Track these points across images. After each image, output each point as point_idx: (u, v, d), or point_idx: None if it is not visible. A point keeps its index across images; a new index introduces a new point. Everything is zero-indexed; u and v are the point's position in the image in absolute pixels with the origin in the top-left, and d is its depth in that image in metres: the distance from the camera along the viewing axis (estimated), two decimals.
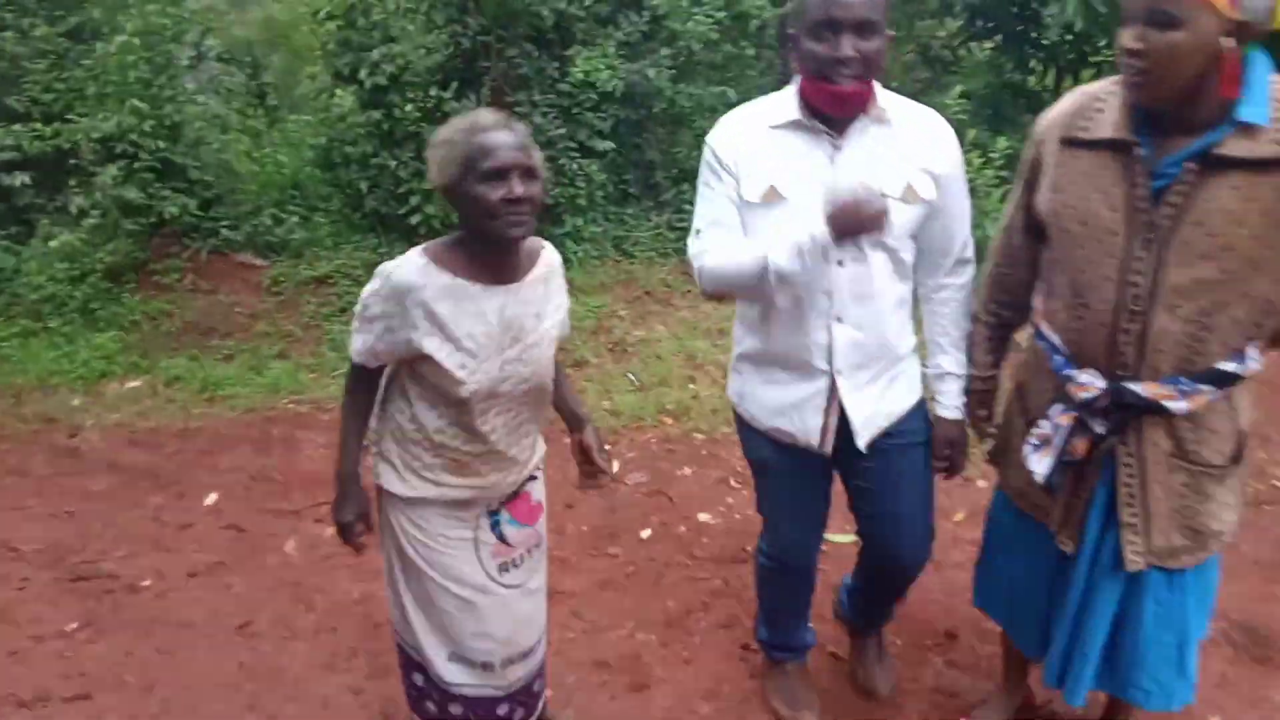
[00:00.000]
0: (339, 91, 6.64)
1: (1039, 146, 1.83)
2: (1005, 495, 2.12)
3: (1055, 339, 1.85)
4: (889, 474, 2.12)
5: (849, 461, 2.11)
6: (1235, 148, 1.55)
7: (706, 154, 2.04)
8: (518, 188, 1.71)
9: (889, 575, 2.34)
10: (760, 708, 2.51)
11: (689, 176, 7.07)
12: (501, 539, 2.02)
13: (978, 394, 2.14)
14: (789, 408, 2.08)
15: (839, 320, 1.97)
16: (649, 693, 2.60)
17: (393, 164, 6.22)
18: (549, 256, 1.97)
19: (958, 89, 6.32)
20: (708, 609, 2.98)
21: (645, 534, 3.43)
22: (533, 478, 2.10)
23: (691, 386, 4.69)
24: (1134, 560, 1.83)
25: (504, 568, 2.03)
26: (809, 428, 2.06)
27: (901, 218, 1.91)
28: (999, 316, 2.08)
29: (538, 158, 1.78)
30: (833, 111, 1.88)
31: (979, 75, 7.52)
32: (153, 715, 2.54)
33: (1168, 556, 1.83)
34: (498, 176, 1.70)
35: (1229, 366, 1.70)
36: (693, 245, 2.05)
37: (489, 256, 1.81)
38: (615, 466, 3.90)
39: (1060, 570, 1.99)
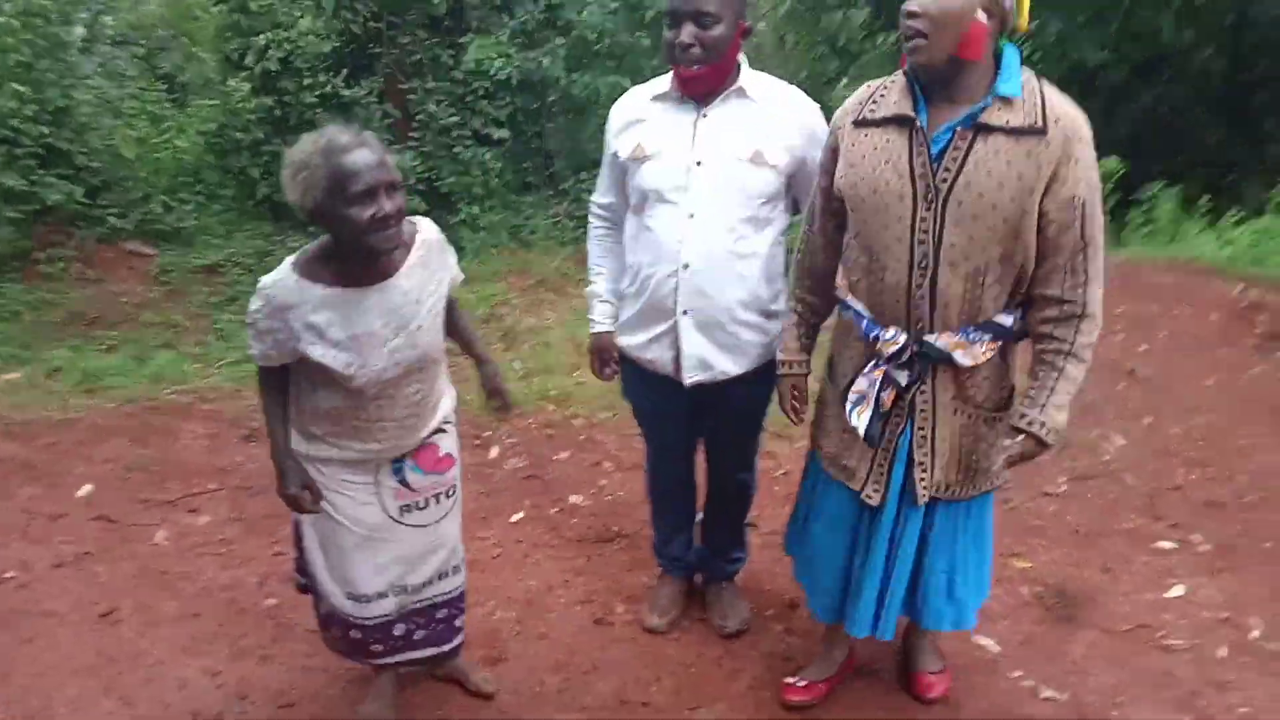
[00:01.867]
0: (232, 77, 6.57)
1: (836, 134, 2.03)
2: (818, 462, 2.30)
3: (858, 306, 2.04)
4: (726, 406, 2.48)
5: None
6: (996, 117, 1.80)
7: (608, 123, 2.43)
8: (385, 205, 1.79)
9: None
10: (603, 677, 2.65)
11: (589, 166, 7.17)
12: (404, 484, 2.17)
13: (790, 379, 2.31)
14: (650, 342, 2.41)
15: (685, 267, 2.25)
16: (502, 666, 2.72)
17: (285, 150, 6.19)
18: (424, 237, 2.04)
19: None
20: (568, 586, 3.10)
21: (516, 517, 3.53)
22: (441, 430, 2.23)
23: (576, 374, 4.81)
24: (922, 494, 2.07)
25: (406, 509, 2.19)
26: (665, 361, 2.41)
27: (749, 179, 2.23)
28: (807, 304, 2.26)
29: (395, 170, 1.86)
30: (683, 90, 2.23)
31: (885, 65, 7.79)
32: (6, 703, 2.56)
33: (944, 490, 2.09)
34: (366, 197, 1.78)
35: (1005, 320, 1.95)
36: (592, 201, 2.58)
37: (363, 266, 1.90)
38: (495, 452, 4.01)
39: (858, 534, 2.20)
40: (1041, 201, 1.81)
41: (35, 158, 5.90)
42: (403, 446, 2.14)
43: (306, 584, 2.38)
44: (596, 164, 2.50)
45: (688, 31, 2.12)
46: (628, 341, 2.50)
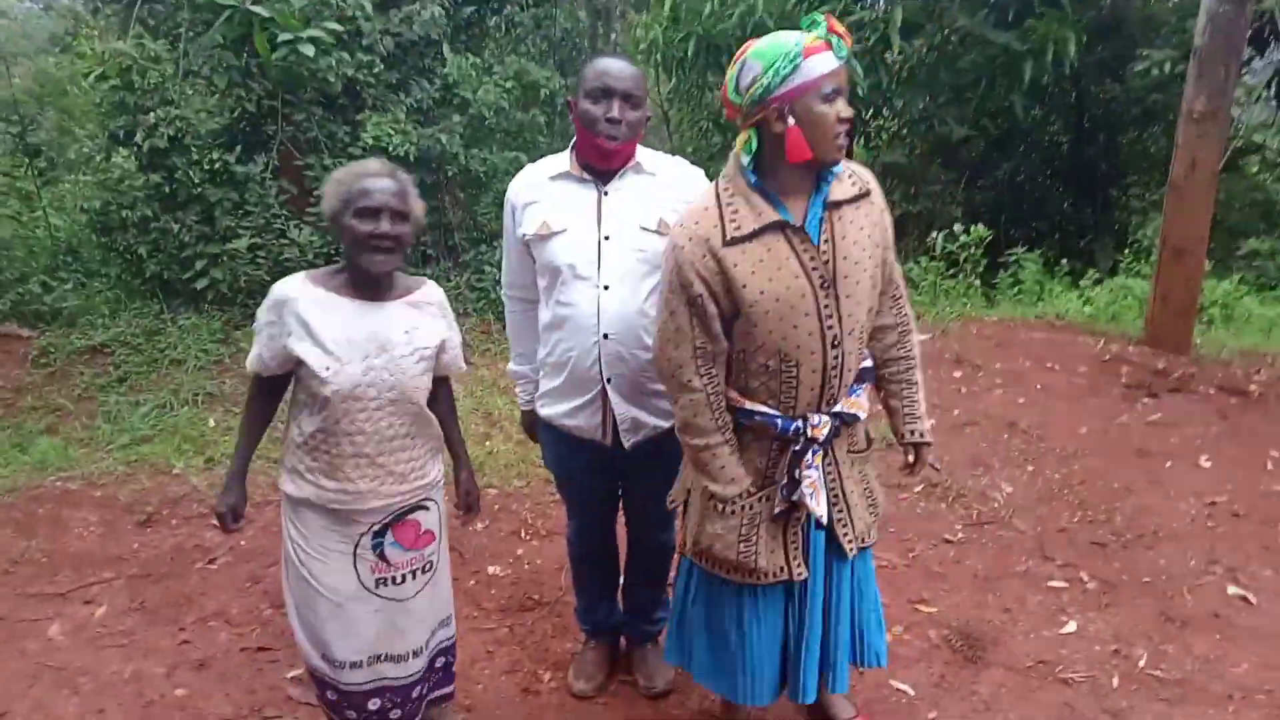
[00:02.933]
0: (115, 154, 6.40)
1: (702, 264, 1.98)
2: (708, 578, 2.26)
3: (765, 408, 2.09)
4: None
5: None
6: (838, 192, 2.02)
7: (506, 224, 2.54)
8: (385, 225, 2.06)
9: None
10: None
11: (488, 238, 7.25)
12: (382, 558, 2.25)
13: (748, 507, 2.16)
14: (576, 410, 2.48)
15: (605, 337, 2.36)
16: None
17: (176, 227, 6.06)
18: (428, 291, 2.28)
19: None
20: (492, 657, 3.08)
21: None
22: (424, 507, 2.29)
23: (488, 443, 4.81)
24: (849, 548, 2.18)
25: (381, 582, 2.26)
26: (590, 426, 2.49)
27: (656, 247, 2.33)
28: (728, 427, 2.14)
29: (415, 205, 2.15)
30: (599, 163, 2.36)
31: None
32: None
33: (866, 535, 2.23)
34: (371, 214, 2.06)
35: (867, 364, 2.19)
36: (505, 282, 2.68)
37: (360, 281, 2.14)
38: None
39: (789, 614, 2.23)
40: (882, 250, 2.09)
41: None
42: (376, 500, 2.18)
43: None
44: (495, 236, 2.63)
45: (618, 108, 2.27)
46: (551, 411, 2.56)
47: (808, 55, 1.87)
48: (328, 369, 2.06)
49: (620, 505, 2.77)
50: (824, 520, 2.10)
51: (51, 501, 4.19)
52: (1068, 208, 10.06)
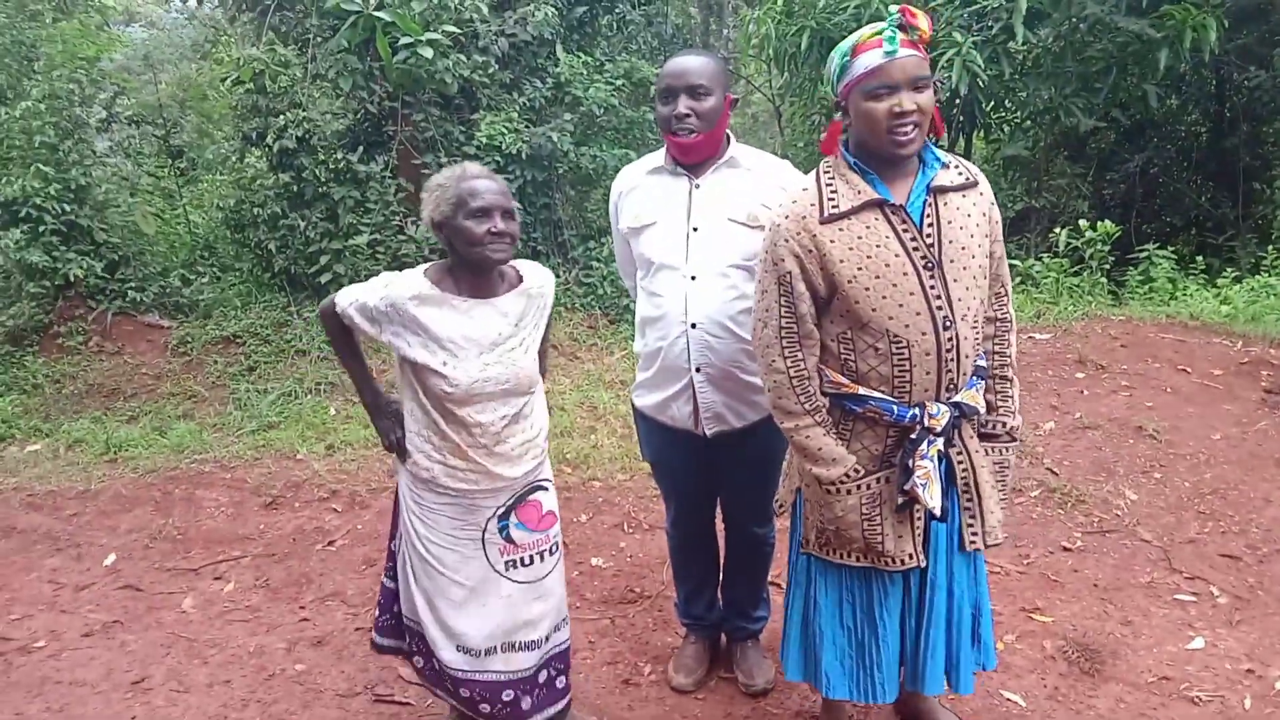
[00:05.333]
0: (248, 154, 6.76)
1: (796, 240, 1.99)
2: (834, 570, 2.21)
3: (879, 394, 2.05)
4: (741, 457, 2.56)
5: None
6: (944, 179, 2.02)
7: (611, 216, 2.62)
8: (500, 223, 2.12)
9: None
10: None
11: (596, 234, 7.33)
12: (509, 540, 2.31)
13: (862, 484, 2.11)
14: (667, 401, 2.52)
15: (693, 327, 2.39)
16: None
17: (302, 224, 6.35)
18: (538, 278, 2.33)
19: None
20: (594, 648, 3.12)
21: None
22: (542, 487, 2.38)
23: (593, 436, 4.87)
24: (972, 540, 2.14)
25: (511, 565, 2.32)
26: (683, 415, 2.51)
27: (744, 241, 2.36)
28: (822, 407, 2.12)
29: (514, 203, 2.20)
30: (681, 158, 2.40)
31: None
32: None
33: (997, 531, 2.17)
34: (484, 214, 2.11)
35: (982, 362, 2.16)
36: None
37: (473, 277, 2.20)
38: None
39: (906, 605, 2.19)
40: (989, 243, 2.07)
41: (57, 234, 6.05)
42: (501, 482, 2.26)
43: (385, 645, 2.52)
44: (604, 232, 2.73)
45: (684, 104, 2.30)
46: (645, 401, 2.61)
47: (856, 54, 1.93)
48: (446, 364, 2.13)
49: (718, 498, 2.77)
50: (937, 512, 2.05)
51: (186, 482, 4.46)
52: (1205, 202, 9.48)
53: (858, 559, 2.16)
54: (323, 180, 6.29)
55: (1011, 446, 2.24)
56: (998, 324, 2.20)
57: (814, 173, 2.07)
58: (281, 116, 6.19)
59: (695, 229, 2.38)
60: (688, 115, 2.30)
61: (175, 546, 3.88)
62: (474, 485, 2.24)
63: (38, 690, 2.94)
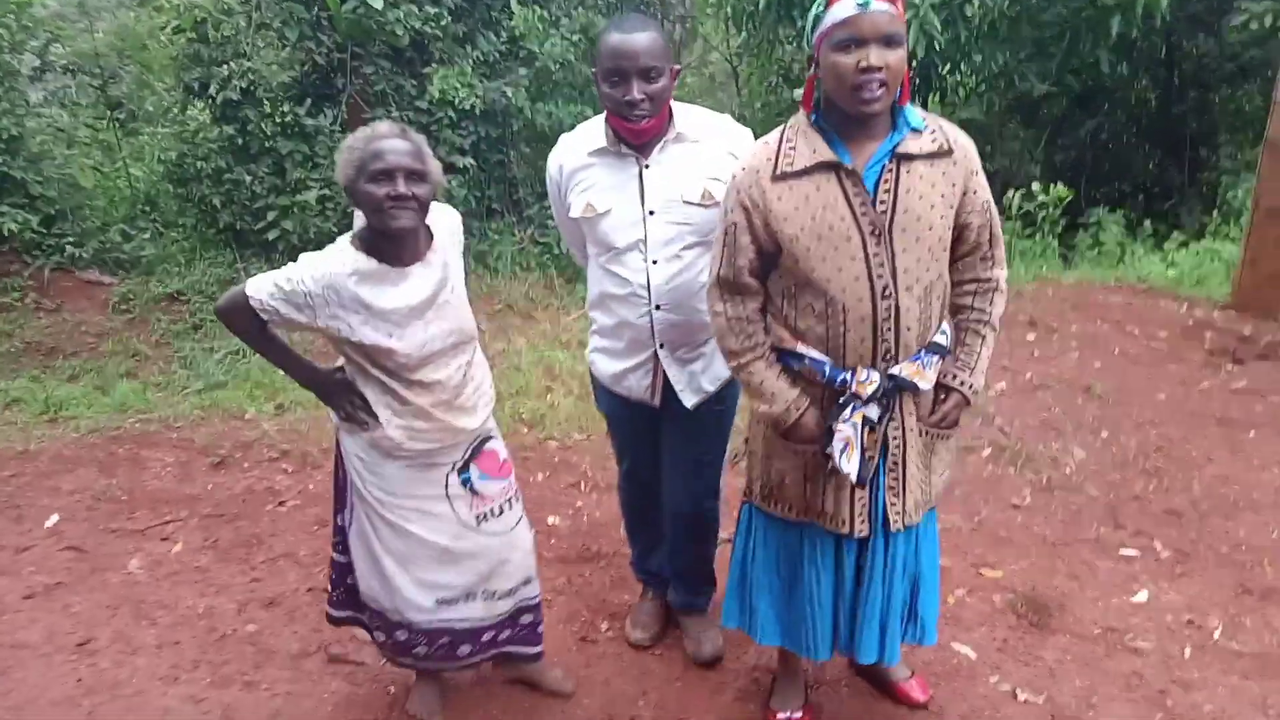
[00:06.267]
0: (190, 106, 6.54)
1: (749, 193, 1.99)
2: (767, 519, 2.27)
3: (813, 353, 2.05)
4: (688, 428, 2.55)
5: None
6: (912, 146, 1.95)
7: (551, 193, 2.53)
8: (402, 187, 1.98)
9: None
10: (590, 693, 2.67)
11: None
12: (474, 493, 2.28)
13: (806, 417, 2.10)
14: (626, 372, 2.51)
15: (658, 308, 2.37)
16: (492, 685, 2.72)
17: (248, 179, 6.18)
18: (445, 222, 2.23)
19: None
20: (551, 606, 3.10)
21: None
22: (491, 436, 2.34)
23: (549, 396, 4.84)
24: (895, 520, 2.13)
25: (482, 518, 2.30)
26: (640, 388, 2.51)
27: (701, 218, 2.31)
28: (765, 345, 2.13)
29: (431, 165, 2.07)
30: (633, 141, 2.28)
31: None
32: None
33: (914, 514, 2.16)
34: (385, 176, 1.98)
35: (940, 339, 2.09)
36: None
37: (394, 242, 2.07)
38: None
39: (841, 568, 2.20)
40: (959, 214, 2.01)
41: None
42: (465, 432, 2.22)
43: (341, 618, 2.51)
44: None
45: (637, 89, 2.15)
46: (601, 370, 2.60)
47: (830, 4, 1.87)
48: (390, 337, 2.07)
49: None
50: (853, 479, 2.04)
51: (131, 442, 4.35)
52: (1153, 168, 9.64)
53: (796, 514, 2.19)
54: (269, 134, 6.11)
55: (959, 399, 2.14)
56: (979, 283, 2.15)
57: (780, 128, 2.03)
58: (225, 66, 5.98)
59: (651, 212, 2.31)
60: (642, 100, 2.16)
61: (120, 507, 3.78)
62: (436, 444, 2.20)
63: None
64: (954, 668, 2.71)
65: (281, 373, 2.30)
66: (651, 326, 2.40)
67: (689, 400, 2.47)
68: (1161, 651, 2.76)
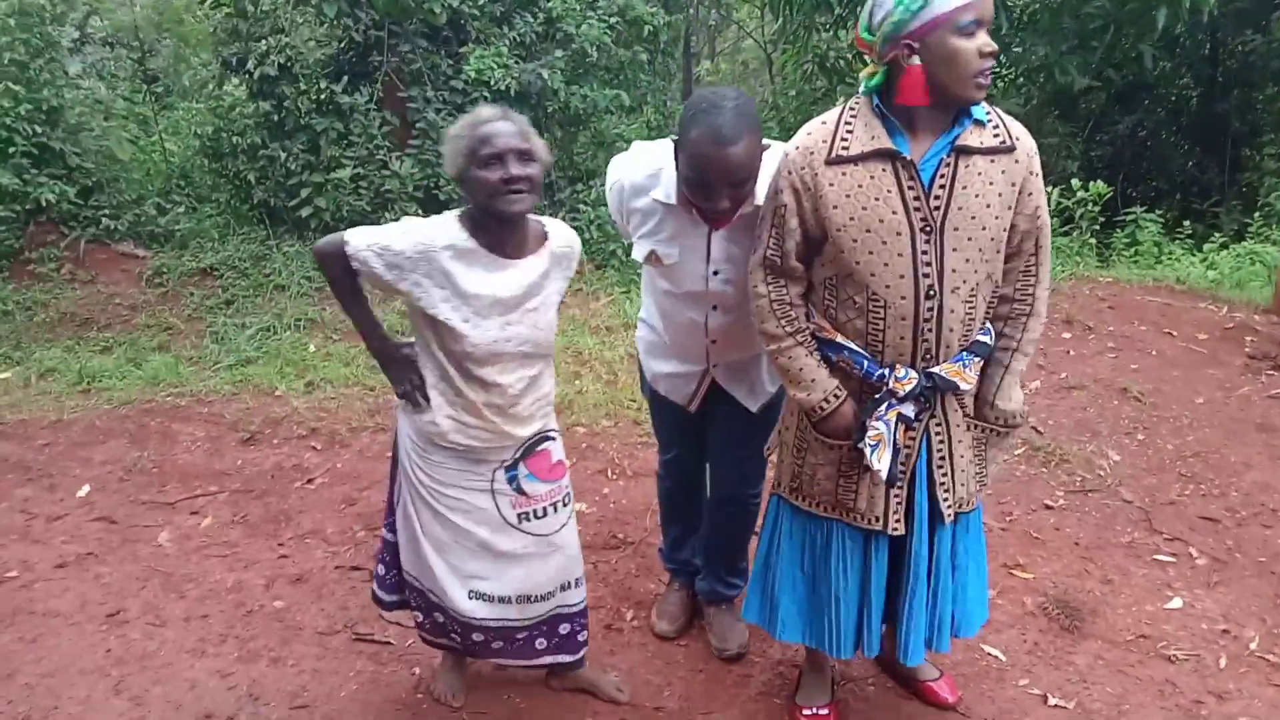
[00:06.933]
0: (227, 81, 6.55)
1: (801, 175, 1.93)
2: (796, 515, 2.22)
3: (854, 346, 2.01)
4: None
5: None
6: (972, 139, 1.88)
7: (610, 200, 2.45)
8: (514, 169, 1.96)
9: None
10: None
11: (585, 176, 7.21)
12: (520, 492, 2.24)
13: (843, 407, 2.07)
14: (673, 375, 2.55)
15: (713, 342, 2.42)
16: (515, 671, 2.72)
17: (282, 155, 6.19)
18: (565, 237, 2.21)
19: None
20: None
21: None
22: (550, 437, 2.29)
23: (578, 382, 4.82)
24: (948, 513, 2.10)
25: (524, 517, 2.26)
26: (680, 394, 2.56)
27: None
28: (807, 333, 2.09)
29: (536, 143, 2.03)
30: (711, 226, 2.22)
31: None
32: (11, 700, 2.54)
33: (966, 501, 2.13)
34: (497, 160, 1.96)
35: (984, 338, 2.02)
36: None
37: (501, 233, 2.06)
38: None
39: (869, 567, 2.16)
40: (1013, 215, 1.93)
41: (28, 157, 5.86)
42: (513, 439, 2.19)
43: (391, 602, 2.48)
44: (591, 175, 2.61)
45: (726, 199, 2.04)
46: (649, 364, 2.64)
47: None
48: (466, 322, 2.04)
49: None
50: (883, 477, 2.00)
51: (162, 415, 4.38)
52: (1193, 167, 9.48)
53: (825, 510, 2.15)
54: (304, 111, 6.11)
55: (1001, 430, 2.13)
56: (1014, 305, 2.04)
57: (839, 109, 1.96)
58: (263, 42, 5.99)
59: (716, 272, 2.28)
60: (728, 210, 2.07)
61: (151, 480, 3.82)
62: (484, 444, 2.17)
63: (10, 620, 2.89)
64: (983, 669, 2.67)
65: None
66: (707, 353, 2.45)
67: (753, 405, 2.51)
68: (1195, 661, 2.72)
